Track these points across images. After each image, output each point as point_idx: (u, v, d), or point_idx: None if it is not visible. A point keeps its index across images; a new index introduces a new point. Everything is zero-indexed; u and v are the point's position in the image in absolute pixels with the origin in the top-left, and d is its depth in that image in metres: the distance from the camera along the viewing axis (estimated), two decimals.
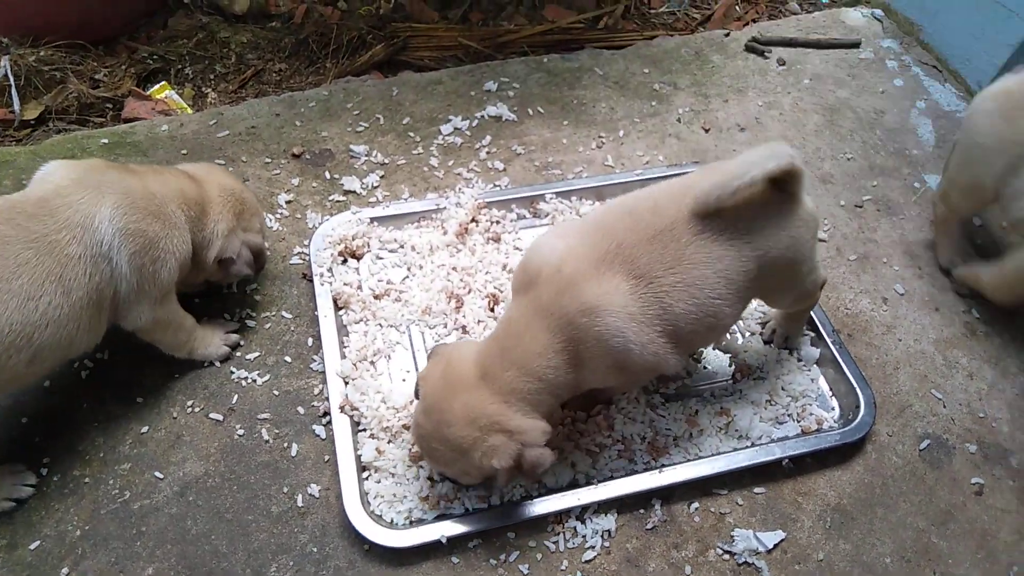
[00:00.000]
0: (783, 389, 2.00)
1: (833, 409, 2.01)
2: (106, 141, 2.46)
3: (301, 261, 2.18)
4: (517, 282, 1.65)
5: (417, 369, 1.95)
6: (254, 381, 1.93)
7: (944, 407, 2.07)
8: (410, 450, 1.78)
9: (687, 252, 1.56)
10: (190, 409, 1.87)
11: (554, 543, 1.73)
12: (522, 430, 1.51)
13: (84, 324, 1.59)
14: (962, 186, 2.20)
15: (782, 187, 1.63)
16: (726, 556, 1.76)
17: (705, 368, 2.03)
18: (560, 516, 1.76)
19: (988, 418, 2.06)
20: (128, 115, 2.76)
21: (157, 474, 1.76)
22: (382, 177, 2.41)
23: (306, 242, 2.19)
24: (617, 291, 1.52)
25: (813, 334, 2.10)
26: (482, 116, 2.64)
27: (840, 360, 2.03)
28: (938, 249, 2.38)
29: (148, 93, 2.87)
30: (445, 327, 2.02)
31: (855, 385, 1.98)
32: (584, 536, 1.74)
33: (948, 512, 1.88)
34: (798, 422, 1.94)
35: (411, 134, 2.55)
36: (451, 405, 1.52)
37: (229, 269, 1.90)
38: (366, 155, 2.47)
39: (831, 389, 2.04)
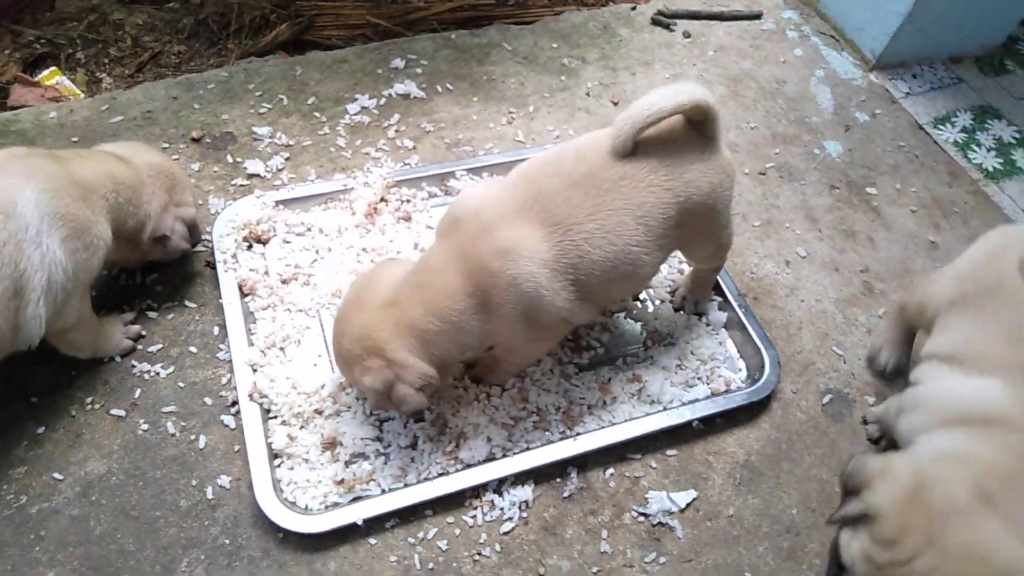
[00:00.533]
0: (692, 353, 2.05)
1: (740, 370, 2.07)
2: None
3: (204, 248, 2.11)
4: (441, 226, 1.68)
5: (329, 353, 1.92)
6: (157, 374, 1.87)
7: (844, 363, 2.16)
8: (322, 435, 1.76)
9: (607, 199, 1.58)
10: (90, 406, 1.80)
11: (472, 517, 1.74)
12: (402, 364, 1.54)
13: (11, 319, 1.50)
14: (919, 297, 1.92)
15: (700, 130, 1.66)
16: (641, 518, 1.80)
17: (617, 336, 2.07)
18: (477, 490, 1.76)
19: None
20: (14, 103, 2.61)
21: (56, 475, 1.69)
22: (287, 159, 2.35)
23: (208, 228, 2.12)
24: (532, 237, 1.55)
25: (720, 299, 2.16)
26: (390, 94, 2.60)
27: (746, 323, 2.09)
28: (878, 338, 2.17)
29: (36, 79, 2.72)
30: None
31: (760, 346, 2.05)
32: (502, 508, 1.76)
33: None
34: (707, 384, 2.00)
35: (316, 114, 2.50)
36: (351, 319, 1.60)
37: (167, 246, 1.88)
38: (270, 137, 2.40)
39: (738, 351, 2.10)
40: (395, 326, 1.55)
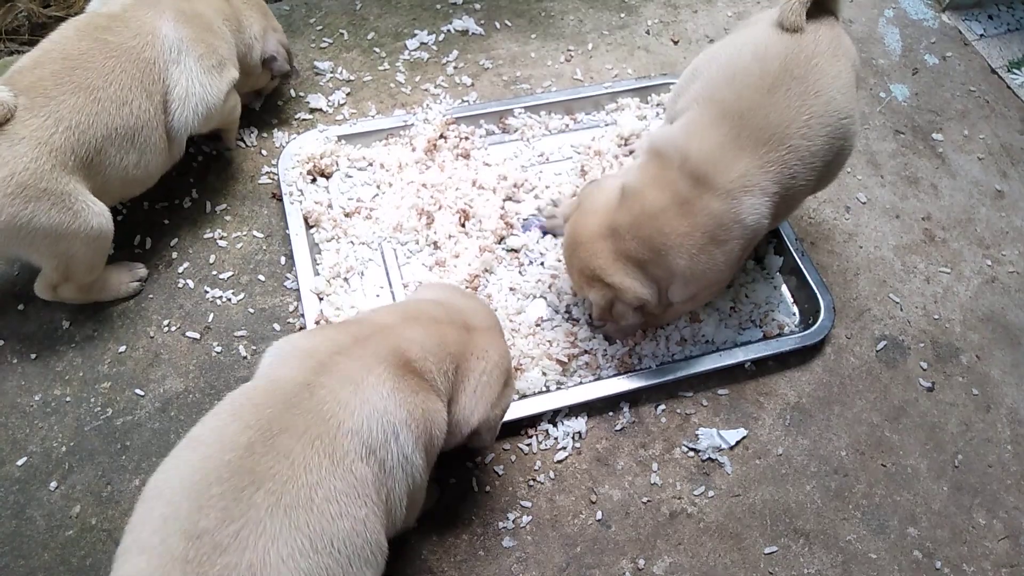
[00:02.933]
0: (747, 296, 2.06)
1: (794, 315, 2.08)
2: None
3: (270, 181, 2.17)
4: (643, 159, 1.71)
5: (391, 285, 1.98)
6: (229, 300, 1.95)
7: (901, 310, 2.15)
8: None
9: (809, 84, 1.57)
10: (167, 328, 1.89)
11: (528, 445, 1.81)
12: (619, 288, 1.65)
13: (167, 127, 1.79)
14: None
15: (828, 6, 1.66)
16: (691, 453, 1.85)
17: None
18: (533, 420, 1.83)
19: (942, 319, 2.15)
20: None
21: (138, 391, 1.80)
22: (348, 94, 2.37)
23: (274, 161, 2.18)
24: (747, 173, 1.56)
25: (776, 241, 2.15)
26: (448, 30, 2.59)
27: (802, 267, 2.09)
28: None
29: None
30: (417, 243, 2.04)
31: (816, 291, 2.05)
32: (556, 438, 1.82)
33: (901, 408, 1.99)
34: (760, 327, 2.02)
35: (376, 49, 2.51)
36: (576, 252, 1.71)
37: (273, 67, 2.12)
38: (331, 72, 2.42)
39: (793, 296, 2.11)
40: (612, 254, 1.65)
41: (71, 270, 1.72)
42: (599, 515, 1.74)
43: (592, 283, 1.70)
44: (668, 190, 1.60)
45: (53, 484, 1.66)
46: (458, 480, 1.75)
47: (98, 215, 1.67)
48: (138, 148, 1.72)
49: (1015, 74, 2.76)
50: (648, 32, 2.70)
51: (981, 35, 2.87)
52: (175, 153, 1.87)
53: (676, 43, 2.68)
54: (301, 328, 1.90)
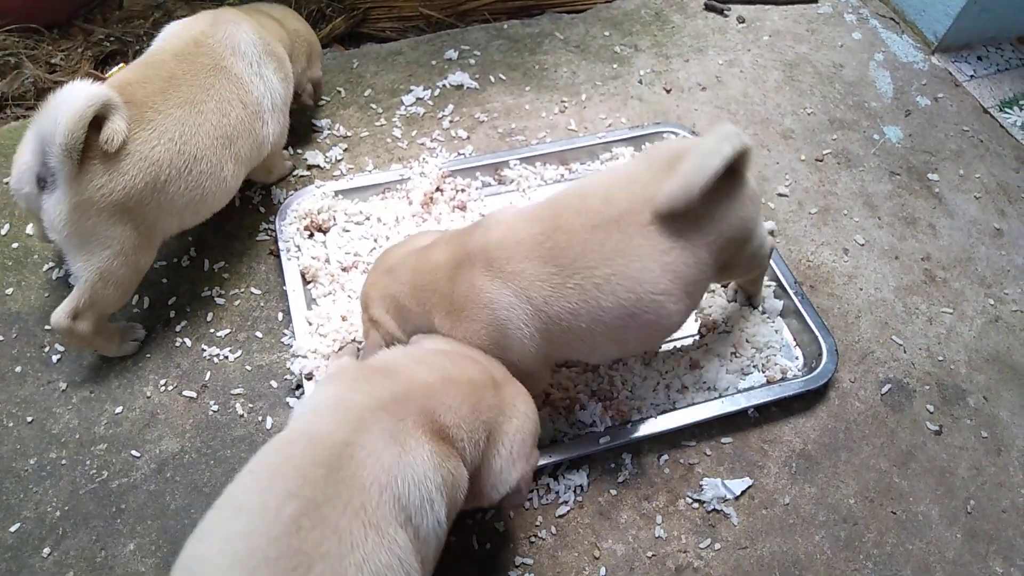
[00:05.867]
0: (747, 341, 2.05)
1: (797, 359, 2.06)
2: None
3: (268, 237, 2.19)
4: (466, 228, 1.70)
5: None
6: (226, 358, 1.94)
7: (904, 352, 2.13)
8: None
9: (632, 244, 1.51)
10: (163, 388, 1.89)
11: (528, 500, 1.77)
12: (377, 321, 1.67)
13: (256, 135, 1.93)
14: None
15: (729, 168, 1.60)
16: (695, 504, 1.81)
17: None
18: (533, 474, 1.79)
19: (947, 361, 2.12)
20: None
21: (134, 452, 1.78)
22: (345, 150, 2.41)
23: (272, 218, 2.19)
24: (523, 272, 1.52)
25: (775, 285, 2.14)
26: (444, 85, 2.64)
27: (803, 311, 2.07)
28: None
29: (107, 75, 2.83)
30: None
31: (817, 334, 2.03)
32: (557, 492, 1.79)
33: (909, 452, 1.95)
34: (763, 372, 1.99)
35: (373, 106, 2.55)
36: (369, 274, 1.74)
37: (297, 102, 2.27)
38: (328, 128, 2.46)
39: (795, 339, 2.09)
40: (383, 291, 1.66)
41: (105, 290, 1.73)
42: (603, 571, 1.70)
43: (363, 311, 1.71)
44: (454, 252, 1.59)
45: (46, 550, 1.64)
46: (458, 539, 1.71)
47: (149, 238, 1.78)
48: (234, 157, 1.85)
49: (1007, 113, 2.78)
50: (641, 82, 2.74)
51: (971, 76, 2.90)
52: (256, 160, 1.99)
53: (669, 92, 2.71)
54: (299, 385, 1.89)
